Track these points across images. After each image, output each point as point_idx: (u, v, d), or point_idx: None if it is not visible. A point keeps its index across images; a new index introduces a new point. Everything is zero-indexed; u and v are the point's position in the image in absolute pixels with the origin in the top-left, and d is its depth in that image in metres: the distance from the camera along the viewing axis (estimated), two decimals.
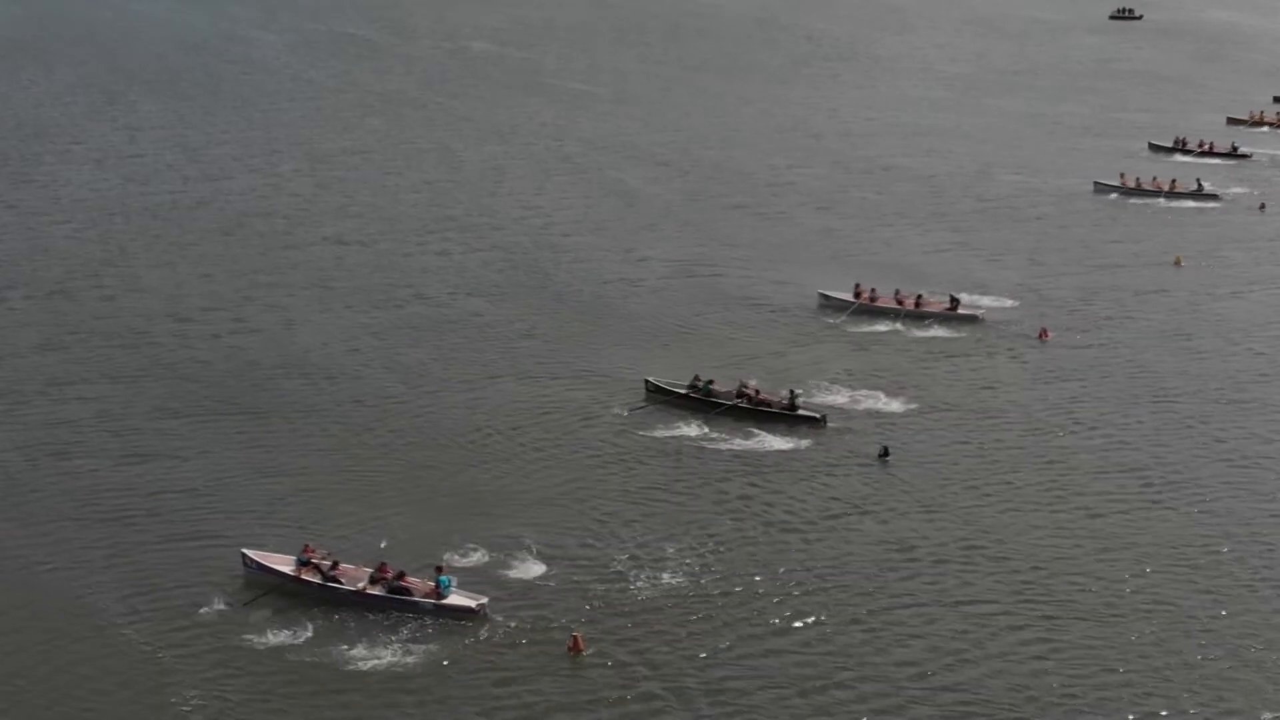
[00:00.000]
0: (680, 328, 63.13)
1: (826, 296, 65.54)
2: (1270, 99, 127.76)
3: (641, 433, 51.00)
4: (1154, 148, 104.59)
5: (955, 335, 61.99)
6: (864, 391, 54.73)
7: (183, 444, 49.57)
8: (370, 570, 39.16)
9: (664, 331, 62.56)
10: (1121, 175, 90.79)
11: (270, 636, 37.20)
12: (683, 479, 47.41)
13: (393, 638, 37.29)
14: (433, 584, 38.49)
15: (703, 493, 46.36)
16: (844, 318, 63.49)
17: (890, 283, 66.19)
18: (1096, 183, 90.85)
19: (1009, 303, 66.03)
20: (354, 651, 36.63)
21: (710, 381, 53.57)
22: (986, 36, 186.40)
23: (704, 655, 36.69)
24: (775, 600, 39.38)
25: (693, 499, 45.84)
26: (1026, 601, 39.38)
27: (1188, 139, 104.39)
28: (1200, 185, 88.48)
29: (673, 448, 49.83)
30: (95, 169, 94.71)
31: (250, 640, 37.08)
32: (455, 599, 38.27)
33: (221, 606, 38.47)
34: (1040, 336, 61.69)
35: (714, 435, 50.82)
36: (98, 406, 53.05)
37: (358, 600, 38.49)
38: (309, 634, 37.32)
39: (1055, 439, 50.93)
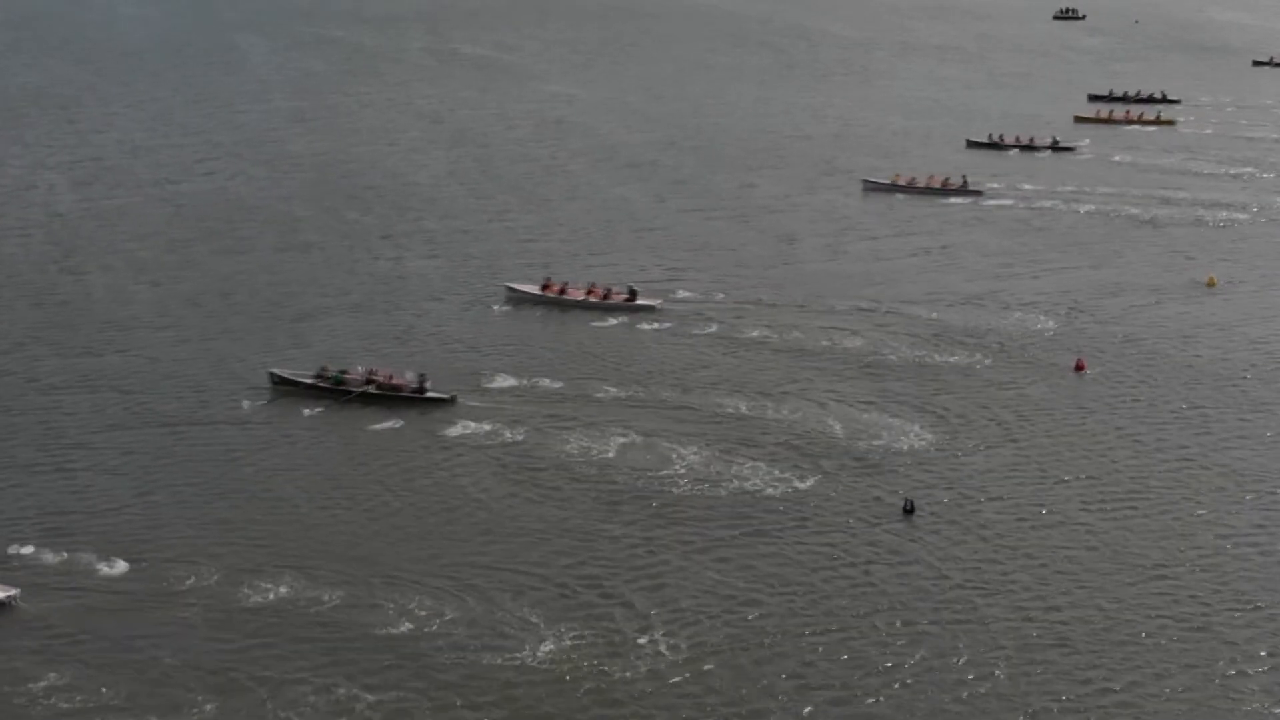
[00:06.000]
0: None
1: (512, 289, 65.29)
2: (1127, 93, 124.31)
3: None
4: (970, 144, 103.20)
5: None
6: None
7: None
8: None
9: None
10: (896, 175, 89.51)
11: None
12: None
13: None
14: None
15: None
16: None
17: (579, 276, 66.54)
18: (865, 180, 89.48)
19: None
20: None
21: (344, 371, 53.30)
22: (913, 24, 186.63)
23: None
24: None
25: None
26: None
27: (1005, 135, 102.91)
28: (965, 182, 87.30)
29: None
30: (54, 172, 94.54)
31: None
32: None
33: None
34: (1077, 369, 55.92)
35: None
36: None
37: None
38: None
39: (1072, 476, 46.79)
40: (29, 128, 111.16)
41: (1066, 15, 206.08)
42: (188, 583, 39.37)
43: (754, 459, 47.40)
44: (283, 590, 38.95)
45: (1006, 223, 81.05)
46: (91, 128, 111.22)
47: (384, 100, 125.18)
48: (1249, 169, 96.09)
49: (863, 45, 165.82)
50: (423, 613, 37.81)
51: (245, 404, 52.45)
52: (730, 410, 51.61)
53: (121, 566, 40.30)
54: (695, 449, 48.05)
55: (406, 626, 37.21)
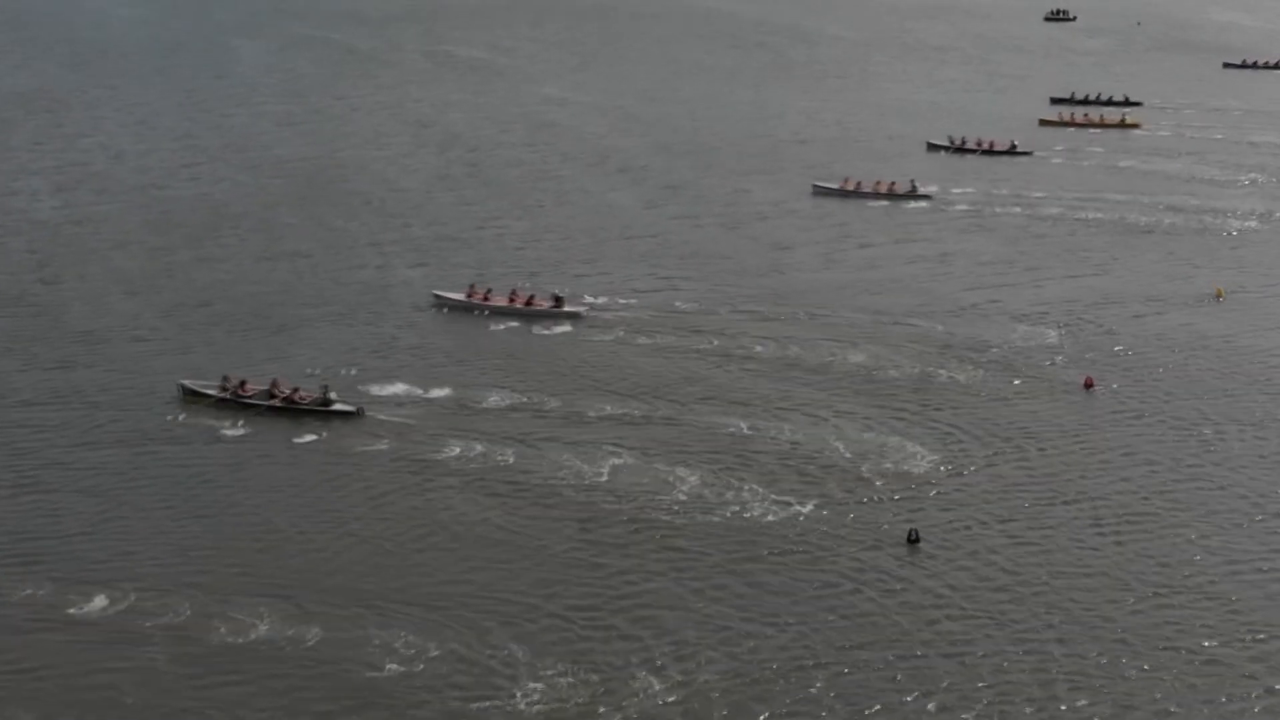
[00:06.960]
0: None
1: (439, 296, 63.72)
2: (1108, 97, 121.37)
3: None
4: (931, 146, 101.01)
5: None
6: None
7: None
8: None
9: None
10: (845, 179, 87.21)
11: None
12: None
13: None
14: None
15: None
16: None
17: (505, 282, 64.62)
18: (815, 185, 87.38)
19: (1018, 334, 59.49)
20: None
21: (243, 382, 51.80)
22: (909, 24, 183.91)
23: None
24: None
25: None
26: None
27: (966, 138, 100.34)
28: (914, 186, 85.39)
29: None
30: (37, 177, 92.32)
31: None
32: None
33: None
34: (1085, 386, 53.47)
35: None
36: None
37: None
38: None
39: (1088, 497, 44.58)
40: (15, 131, 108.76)
41: (1057, 16, 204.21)
42: (160, 617, 37.26)
43: (750, 481, 45.10)
44: (260, 625, 36.81)
45: (955, 227, 78.54)
46: (78, 131, 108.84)
47: (375, 103, 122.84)
48: (1218, 172, 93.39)
49: (859, 45, 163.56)
50: (409, 650, 35.67)
51: (230, 426, 49.96)
52: (721, 427, 49.31)
53: (88, 596, 38.24)
54: (687, 470, 45.70)
55: (390, 665, 35.07)
